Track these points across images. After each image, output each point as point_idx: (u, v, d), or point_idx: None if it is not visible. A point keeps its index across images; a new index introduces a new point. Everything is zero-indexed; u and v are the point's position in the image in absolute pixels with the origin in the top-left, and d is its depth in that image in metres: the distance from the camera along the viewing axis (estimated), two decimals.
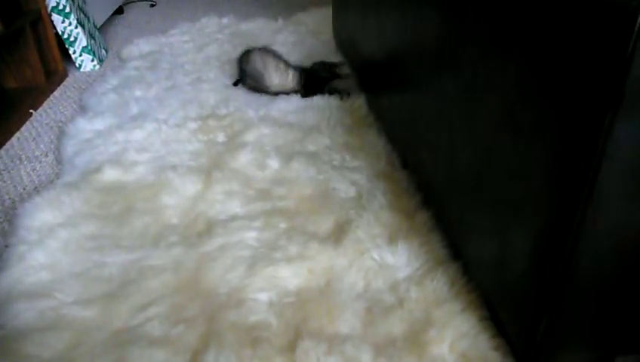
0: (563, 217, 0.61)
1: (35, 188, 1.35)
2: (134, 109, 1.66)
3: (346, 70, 1.72)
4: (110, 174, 1.31)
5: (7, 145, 1.57)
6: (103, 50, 2.27)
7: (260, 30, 2.40)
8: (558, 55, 0.60)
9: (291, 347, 0.84)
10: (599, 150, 0.55)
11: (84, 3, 2.22)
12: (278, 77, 1.72)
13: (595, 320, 0.70)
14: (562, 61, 0.59)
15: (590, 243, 0.61)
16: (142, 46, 2.25)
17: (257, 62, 1.73)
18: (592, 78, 0.55)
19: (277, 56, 1.76)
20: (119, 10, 2.87)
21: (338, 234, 1.07)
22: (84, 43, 2.08)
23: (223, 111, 1.62)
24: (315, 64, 1.74)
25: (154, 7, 3.04)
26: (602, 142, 0.54)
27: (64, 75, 2.04)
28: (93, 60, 2.13)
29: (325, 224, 1.12)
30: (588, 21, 0.55)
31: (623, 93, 0.51)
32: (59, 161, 1.46)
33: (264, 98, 1.71)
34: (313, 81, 1.71)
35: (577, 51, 0.57)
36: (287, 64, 1.74)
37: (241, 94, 1.75)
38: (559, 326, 0.69)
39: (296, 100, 1.68)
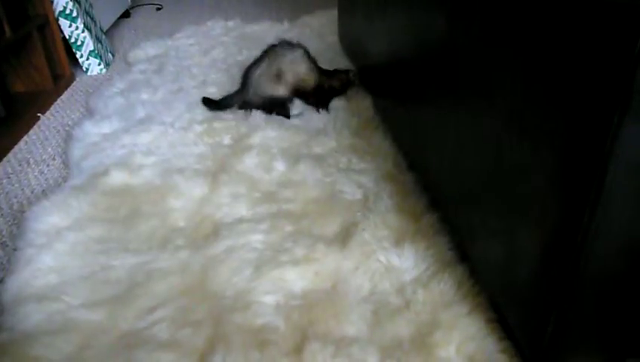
0: (571, 218, 0.61)
1: (43, 191, 1.36)
2: (141, 113, 1.67)
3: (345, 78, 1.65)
4: (117, 177, 1.31)
5: (16, 148, 1.58)
6: (110, 54, 2.28)
7: (266, 33, 2.39)
8: (565, 54, 0.60)
9: (298, 349, 0.84)
10: (607, 150, 0.54)
11: (91, 7, 2.23)
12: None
13: (604, 322, 0.69)
14: (570, 61, 0.59)
15: (598, 243, 0.60)
16: (148, 49, 2.26)
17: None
18: (599, 78, 0.54)
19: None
20: (126, 14, 2.88)
21: (344, 237, 1.07)
22: (91, 47, 2.09)
23: (229, 114, 1.63)
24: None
25: (160, 11, 3.05)
26: (610, 141, 0.54)
27: (71, 79, 2.06)
28: (100, 64, 2.14)
29: (331, 226, 1.12)
30: (595, 21, 0.55)
31: (631, 93, 0.51)
32: (66, 164, 1.47)
33: None
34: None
35: (585, 51, 0.56)
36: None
37: None
38: (567, 329, 0.68)
39: (301, 103, 1.68)
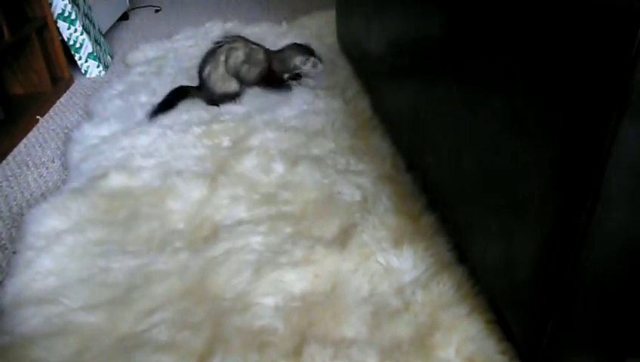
0: (569, 219, 0.61)
1: (42, 194, 1.36)
2: (140, 115, 1.67)
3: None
4: (116, 180, 1.31)
5: (15, 151, 1.58)
6: (109, 56, 2.28)
7: (265, 34, 2.39)
8: (563, 56, 0.60)
9: (297, 351, 0.84)
10: (605, 151, 0.54)
11: (90, 9, 2.23)
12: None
13: (603, 322, 0.69)
14: (567, 62, 0.59)
15: (597, 245, 0.60)
16: (147, 51, 2.26)
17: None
18: (597, 79, 0.54)
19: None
20: (124, 16, 2.88)
21: (343, 238, 1.07)
22: (90, 49, 2.09)
23: (228, 116, 1.63)
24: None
25: (159, 13, 3.05)
26: (608, 143, 0.54)
27: (70, 82, 2.06)
28: (98, 66, 2.14)
29: (330, 228, 1.12)
30: (592, 22, 0.55)
31: (628, 94, 0.51)
32: (65, 166, 1.47)
33: (269, 102, 1.71)
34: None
35: (582, 52, 0.56)
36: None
37: (245, 98, 1.75)
38: (566, 330, 0.68)
39: (300, 104, 1.68)
